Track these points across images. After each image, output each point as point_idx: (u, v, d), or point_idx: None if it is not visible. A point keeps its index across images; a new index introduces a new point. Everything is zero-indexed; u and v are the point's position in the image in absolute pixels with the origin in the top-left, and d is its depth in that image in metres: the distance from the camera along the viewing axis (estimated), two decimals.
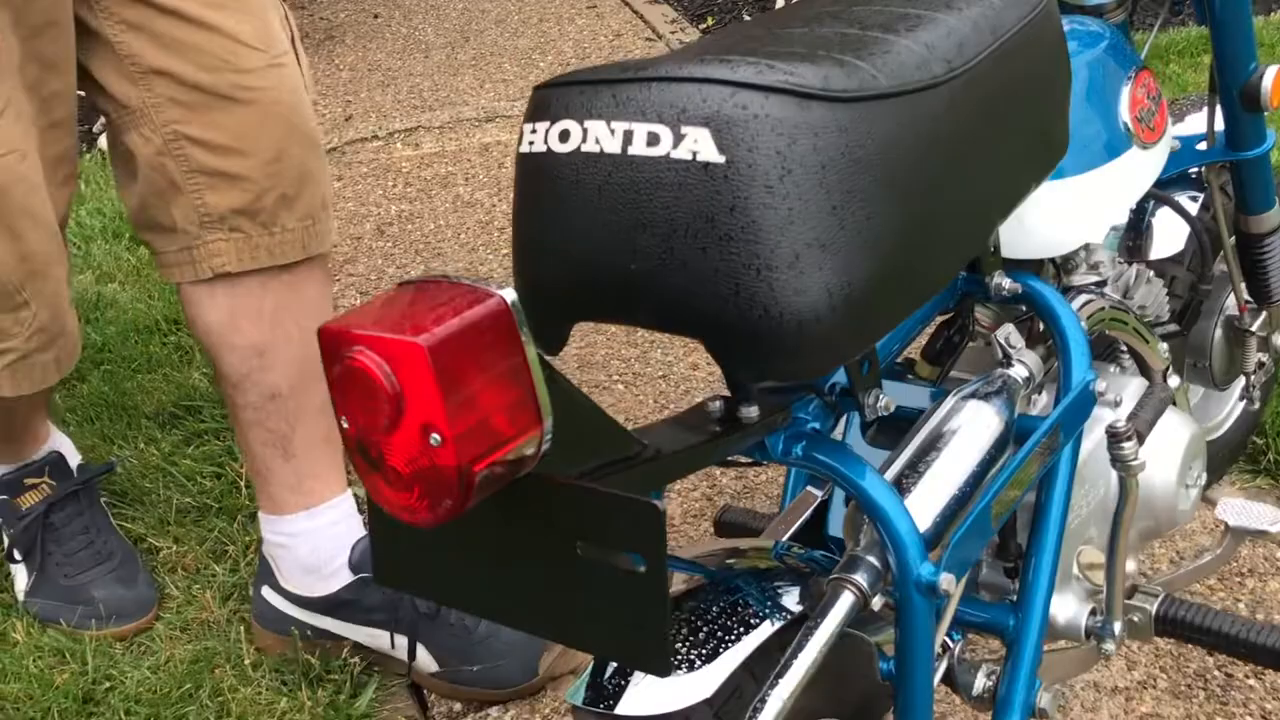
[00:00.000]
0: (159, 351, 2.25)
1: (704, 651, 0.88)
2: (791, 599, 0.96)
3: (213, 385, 2.13)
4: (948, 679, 1.09)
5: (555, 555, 0.72)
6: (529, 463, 0.71)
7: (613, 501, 0.69)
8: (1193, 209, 1.47)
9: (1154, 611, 1.19)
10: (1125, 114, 1.22)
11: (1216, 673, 1.58)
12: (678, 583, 0.98)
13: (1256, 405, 1.76)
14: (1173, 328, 1.45)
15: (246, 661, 1.55)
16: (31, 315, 1.40)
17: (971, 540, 0.94)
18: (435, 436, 0.65)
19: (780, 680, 0.83)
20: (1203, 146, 1.50)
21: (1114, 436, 1.06)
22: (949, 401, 1.02)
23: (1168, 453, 1.20)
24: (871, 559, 0.90)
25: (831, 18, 0.89)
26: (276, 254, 1.44)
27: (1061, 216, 1.14)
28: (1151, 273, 1.44)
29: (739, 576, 0.96)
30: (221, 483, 1.89)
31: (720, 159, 0.74)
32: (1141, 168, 1.23)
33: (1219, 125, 1.50)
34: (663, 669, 0.69)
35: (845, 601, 0.88)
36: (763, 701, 0.82)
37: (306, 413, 1.50)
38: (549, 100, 0.82)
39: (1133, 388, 1.25)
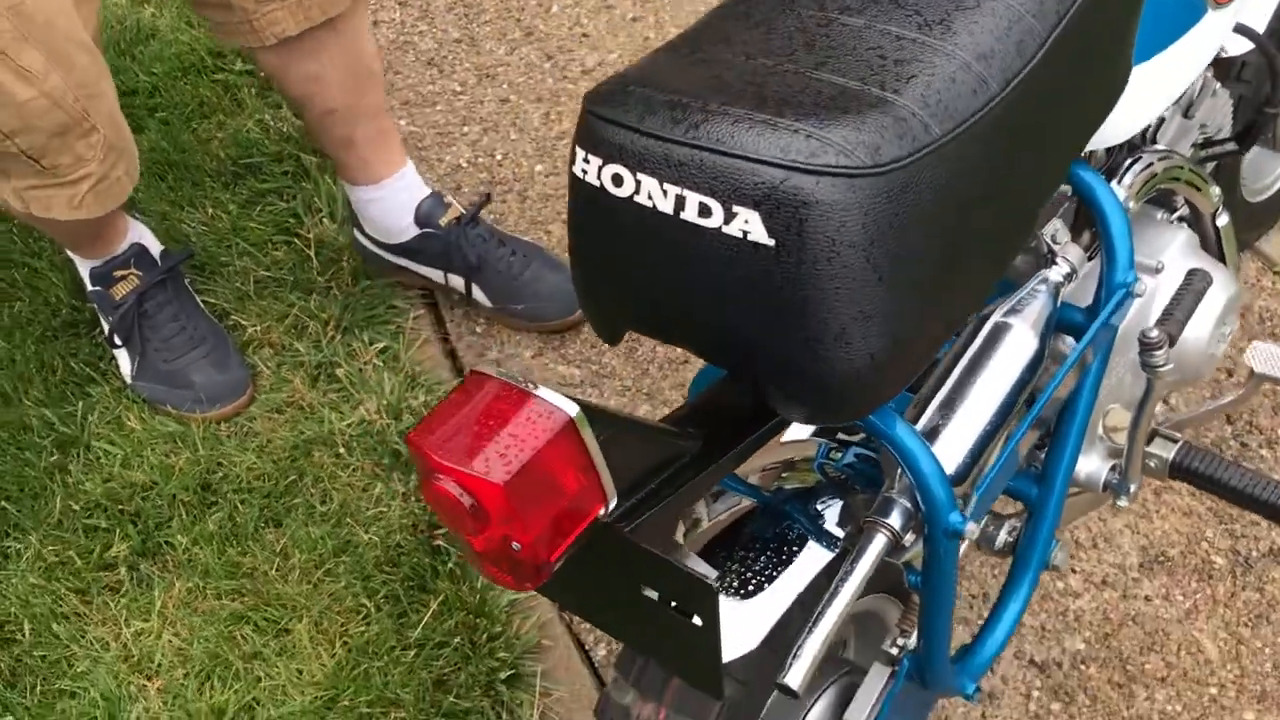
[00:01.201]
0: (209, 94, 2.25)
1: (761, 582, 1.00)
2: (834, 517, 1.07)
3: (267, 136, 2.16)
4: None
5: (627, 589, 0.83)
6: (600, 521, 0.80)
7: (675, 571, 0.78)
8: (1263, 20, 1.40)
9: (1170, 459, 1.28)
10: None
11: (1232, 442, 1.70)
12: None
13: None
14: (1231, 147, 1.43)
15: (340, 448, 1.71)
16: (101, 137, 1.51)
17: (998, 483, 1.03)
18: (515, 544, 0.74)
19: (816, 627, 0.95)
20: None
21: (1145, 345, 1.10)
22: (986, 326, 1.07)
23: (1203, 316, 1.25)
24: (904, 501, 1.00)
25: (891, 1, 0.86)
26: (328, 8, 1.62)
27: (1123, 106, 1.11)
28: (1218, 85, 1.40)
29: (787, 500, 1.07)
30: (292, 253, 1.97)
31: (770, 242, 0.76)
32: (1214, 31, 1.17)
33: None
34: (717, 694, 0.82)
35: (879, 543, 0.99)
36: (801, 648, 0.95)
37: (361, 117, 1.76)
38: (601, 135, 0.82)
39: (1177, 245, 1.27)
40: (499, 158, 2.18)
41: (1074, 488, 1.27)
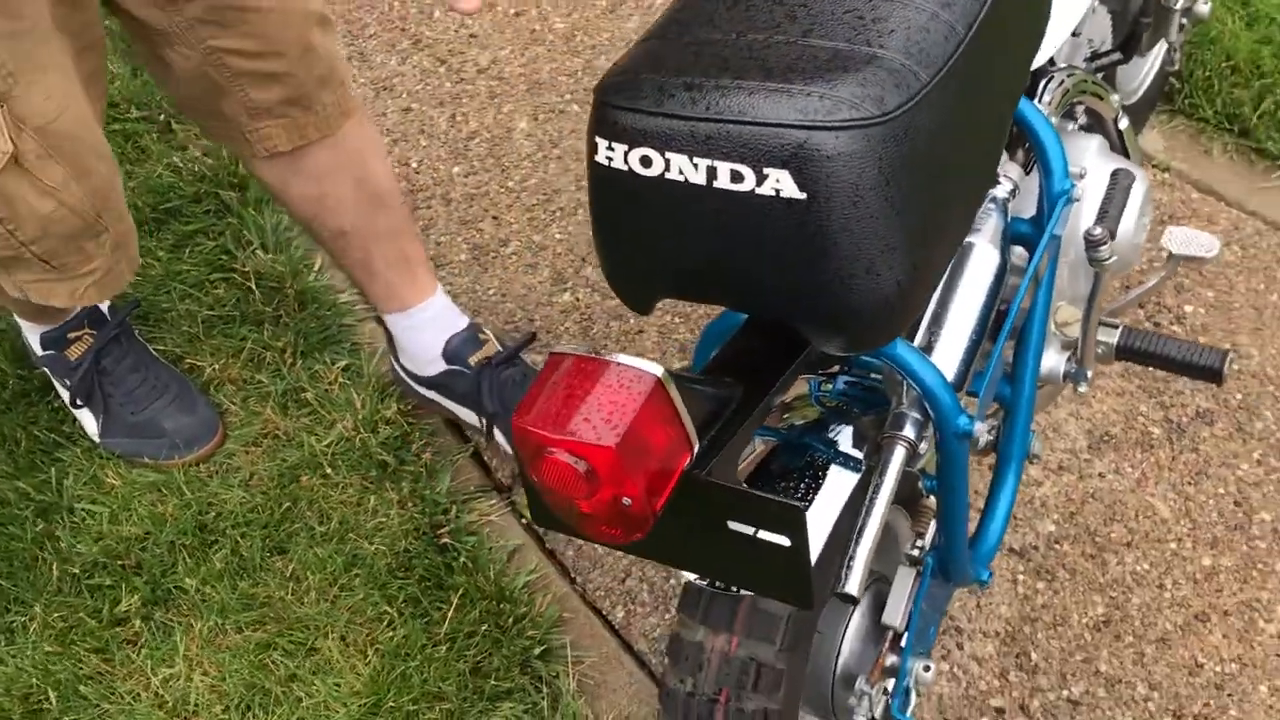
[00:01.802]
0: (112, 144, 2.22)
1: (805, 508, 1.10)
2: (848, 441, 1.16)
3: (180, 179, 2.16)
4: None
5: (712, 527, 0.91)
6: (688, 469, 0.88)
7: (764, 501, 0.87)
8: None
9: (1115, 343, 1.42)
10: None
11: (1146, 323, 1.87)
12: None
13: (1177, 66, 1.92)
14: (1116, 56, 1.57)
15: (327, 469, 1.75)
16: (109, 235, 1.48)
17: (993, 384, 1.14)
18: (626, 500, 0.82)
19: (862, 538, 1.05)
20: None
21: (1092, 242, 1.23)
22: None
23: (1128, 210, 1.38)
24: (915, 414, 1.10)
25: None
26: (322, 128, 1.57)
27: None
28: (1097, 2, 1.54)
29: (804, 434, 1.16)
30: (232, 288, 1.99)
31: (801, 195, 0.85)
32: None
33: None
34: (809, 605, 0.91)
35: (899, 455, 1.09)
36: (853, 558, 1.04)
37: (377, 240, 1.69)
38: (622, 122, 0.90)
39: (1092, 150, 1.40)
40: (415, 166, 2.22)
41: (1038, 382, 1.40)
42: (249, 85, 1.48)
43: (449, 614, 1.58)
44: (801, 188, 0.85)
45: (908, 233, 0.89)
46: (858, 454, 1.15)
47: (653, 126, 0.88)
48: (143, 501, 1.74)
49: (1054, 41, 1.25)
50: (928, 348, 1.14)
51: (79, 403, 1.81)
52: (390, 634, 1.58)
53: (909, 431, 1.10)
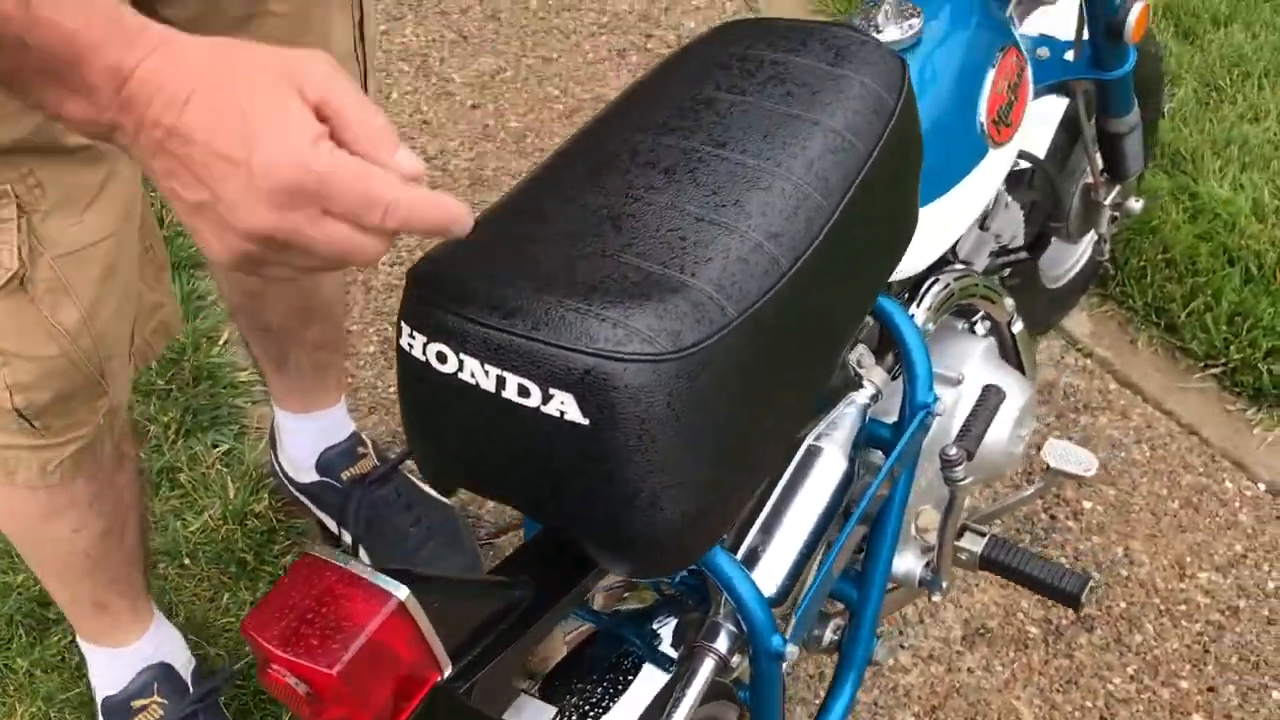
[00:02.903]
0: None
1: (599, 714, 1.05)
2: (669, 636, 1.12)
3: None
4: None
5: None
6: (438, 687, 0.84)
7: None
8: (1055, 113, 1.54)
9: (980, 553, 1.38)
10: (983, 115, 1.26)
11: (1042, 515, 1.83)
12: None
13: (1106, 257, 1.91)
14: (1024, 255, 1.55)
15: (185, 558, 1.71)
16: (107, 401, 1.25)
17: (816, 603, 1.10)
18: None
19: None
20: (1070, 56, 1.54)
21: (946, 462, 1.20)
22: (799, 451, 1.14)
23: (1000, 422, 1.35)
24: (729, 625, 1.06)
25: (687, 173, 0.93)
26: None
27: (916, 243, 1.21)
28: (1010, 198, 1.53)
29: (624, 624, 1.12)
30: None
31: (585, 421, 0.82)
32: (997, 166, 1.29)
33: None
34: None
35: (707, 667, 1.05)
36: None
37: (300, 346, 1.63)
38: (425, 314, 0.87)
39: (977, 355, 1.38)
40: None
41: (891, 584, 1.36)
42: None
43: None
44: (585, 414, 0.82)
45: (699, 466, 0.86)
46: (673, 654, 1.11)
47: (451, 325, 0.85)
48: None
49: (929, 253, 1.23)
50: (751, 557, 1.10)
51: None
52: None
53: (720, 644, 1.06)
